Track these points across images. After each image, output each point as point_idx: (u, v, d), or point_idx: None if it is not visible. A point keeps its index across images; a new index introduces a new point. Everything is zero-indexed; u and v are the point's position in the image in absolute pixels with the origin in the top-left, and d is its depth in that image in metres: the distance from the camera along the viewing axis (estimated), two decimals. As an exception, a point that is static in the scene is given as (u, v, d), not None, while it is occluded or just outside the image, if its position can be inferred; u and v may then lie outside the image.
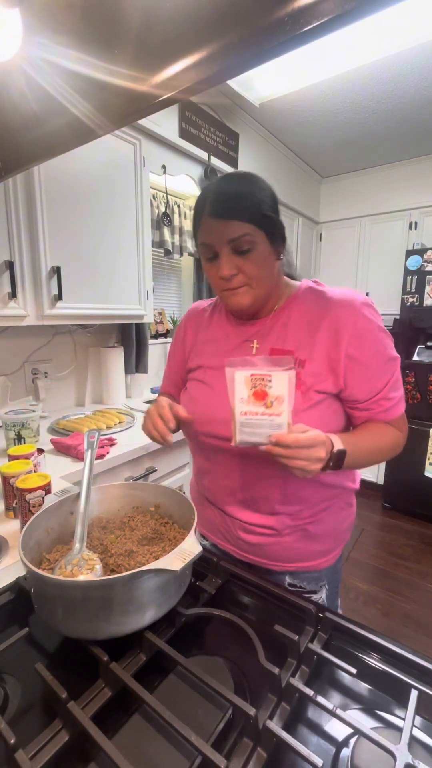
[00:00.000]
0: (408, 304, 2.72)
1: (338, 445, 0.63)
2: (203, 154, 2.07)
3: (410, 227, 3.00)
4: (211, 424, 0.75)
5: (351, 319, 0.68)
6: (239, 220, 0.65)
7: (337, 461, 0.62)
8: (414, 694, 0.44)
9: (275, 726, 0.39)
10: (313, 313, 0.71)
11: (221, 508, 0.82)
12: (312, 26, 0.34)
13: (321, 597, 0.81)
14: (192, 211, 2.34)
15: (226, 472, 0.78)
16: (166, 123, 1.83)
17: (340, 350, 0.68)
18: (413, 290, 2.70)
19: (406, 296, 2.73)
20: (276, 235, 0.69)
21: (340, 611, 0.75)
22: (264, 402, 0.59)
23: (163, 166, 1.88)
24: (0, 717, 0.39)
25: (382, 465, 2.91)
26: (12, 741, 0.36)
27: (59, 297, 1.36)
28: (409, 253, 2.71)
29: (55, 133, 0.57)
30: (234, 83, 2.05)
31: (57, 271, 1.35)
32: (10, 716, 0.44)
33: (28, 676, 0.48)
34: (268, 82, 2.07)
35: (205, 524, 0.88)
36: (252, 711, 0.40)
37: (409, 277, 2.72)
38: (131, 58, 0.43)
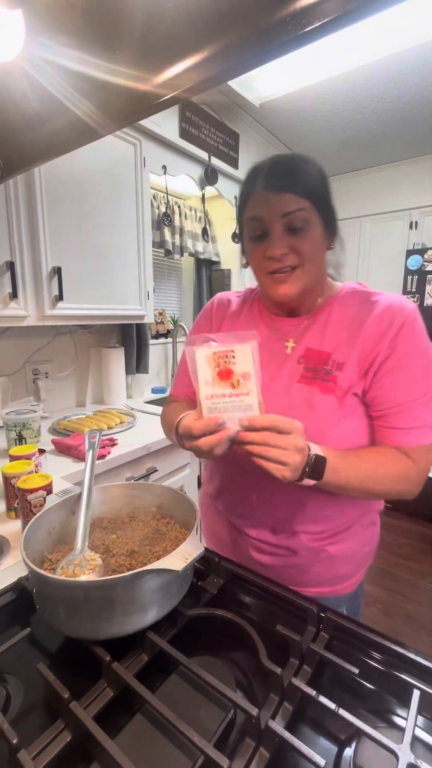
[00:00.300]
0: (408, 303, 2.72)
1: (315, 450, 0.56)
2: (203, 155, 2.07)
3: (410, 227, 3.00)
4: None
5: (396, 323, 0.62)
6: (295, 193, 0.60)
7: (314, 468, 0.55)
8: (416, 693, 0.44)
9: (277, 726, 0.39)
10: (355, 314, 0.66)
11: (234, 524, 0.77)
12: (314, 26, 0.34)
13: None
14: (192, 211, 2.35)
15: (245, 485, 0.73)
16: (166, 123, 1.83)
17: (376, 351, 0.63)
18: (413, 290, 2.70)
19: (406, 296, 2.73)
20: (330, 219, 0.65)
21: None
22: (230, 381, 0.53)
23: (164, 167, 1.88)
24: (2, 717, 0.39)
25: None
26: (14, 741, 0.37)
27: (60, 297, 1.37)
28: (410, 253, 2.72)
29: (57, 133, 0.57)
30: (234, 83, 2.05)
31: (58, 271, 1.35)
32: (12, 716, 0.44)
33: (30, 676, 0.48)
34: (268, 82, 2.07)
35: (215, 541, 0.83)
36: (254, 711, 0.40)
37: (409, 277, 2.72)
38: (133, 59, 0.43)
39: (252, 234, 0.65)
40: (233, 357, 0.53)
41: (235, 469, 0.74)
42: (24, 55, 0.49)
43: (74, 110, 0.50)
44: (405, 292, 2.73)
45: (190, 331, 0.84)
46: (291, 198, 0.60)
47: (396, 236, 3.06)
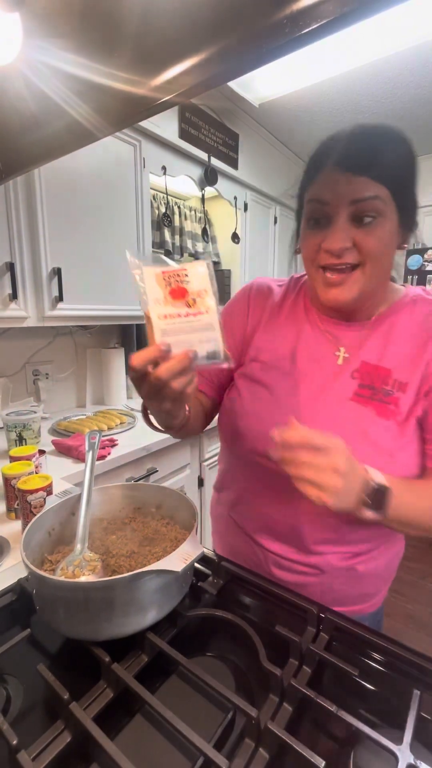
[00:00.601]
0: (409, 303, 2.72)
1: (378, 478, 0.49)
2: (203, 155, 2.07)
3: (411, 227, 3.00)
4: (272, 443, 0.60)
5: None
6: (372, 178, 0.50)
7: (376, 499, 0.48)
8: (416, 694, 0.44)
9: (277, 727, 0.39)
10: (421, 327, 0.58)
11: (253, 537, 0.70)
12: (311, 28, 0.34)
13: None
14: (191, 212, 2.35)
15: (273, 500, 0.65)
16: (165, 124, 1.83)
17: None
18: (414, 290, 2.71)
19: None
20: (408, 212, 0.54)
21: None
22: (185, 300, 0.47)
23: (163, 167, 1.88)
24: (2, 718, 0.39)
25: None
26: (14, 742, 0.37)
27: (60, 298, 1.37)
28: (410, 253, 2.72)
29: (55, 135, 0.57)
30: (234, 84, 2.05)
31: (57, 272, 1.36)
32: (12, 717, 0.44)
33: (30, 677, 0.48)
34: (267, 82, 2.07)
35: (229, 551, 0.75)
36: (254, 712, 0.40)
37: (409, 277, 2.72)
38: (130, 61, 0.43)
39: (311, 216, 0.56)
40: (186, 276, 0.47)
41: (256, 481, 0.67)
42: (22, 58, 0.49)
43: (72, 113, 0.50)
44: (405, 291, 2.74)
45: (221, 316, 0.68)
46: (366, 182, 0.50)
47: (396, 236, 3.06)
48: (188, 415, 0.63)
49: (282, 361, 0.64)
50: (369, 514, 0.49)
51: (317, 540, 0.63)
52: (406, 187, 0.54)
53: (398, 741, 0.38)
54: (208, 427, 0.80)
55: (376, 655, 0.51)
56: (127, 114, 0.49)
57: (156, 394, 0.47)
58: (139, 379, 0.47)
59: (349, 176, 0.51)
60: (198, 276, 0.47)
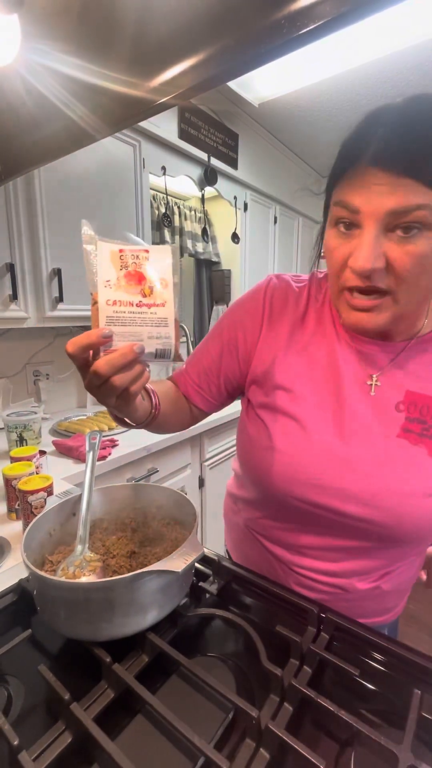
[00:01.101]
0: (409, 303, 2.71)
1: None
2: (203, 155, 2.07)
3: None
4: (307, 487, 0.52)
5: None
6: (421, 181, 0.39)
7: None
8: (417, 694, 0.44)
9: (277, 727, 0.39)
10: None
11: (274, 553, 0.64)
12: (309, 29, 0.34)
13: None
14: (191, 212, 2.34)
15: (305, 533, 0.58)
16: (165, 124, 1.83)
17: None
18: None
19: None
20: None
21: None
22: (140, 288, 0.41)
23: (163, 168, 1.88)
24: (3, 718, 0.39)
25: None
26: (15, 742, 0.37)
27: (60, 299, 1.37)
28: None
29: (53, 137, 0.57)
30: (233, 84, 2.05)
31: (58, 273, 1.36)
32: (13, 718, 0.44)
33: (31, 677, 0.48)
34: (267, 82, 2.07)
35: (245, 560, 0.69)
36: (254, 712, 0.40)
37: None
38: (128, 63, 0.43)
39: (338, 218, 0.45)
40: (147, 259, 0.41)
41: (287, 515, 0.60)
42: (20, 60, 0.49)
43: (70, 114, 0.50)
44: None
45: (230, 309, 0.64)
46: (413, 187, 0.39)
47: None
48: (156, 413, 0.56)
49: (313, 390, 0.54)
50: None
51: (346, 564, 0.58)
52: None
53: (399, 741, 0.38)
54: (209, 427, 0.80)
55: (377, 655, 0.51)
56: (125, 115, 0.49)
57: (96, 389, 0.42)
58: (81, 368, 0.41)
59: (392, 177, 0.39)
60: (161, 262, 0.42)
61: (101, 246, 0.42)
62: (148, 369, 0.44)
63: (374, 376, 0.52)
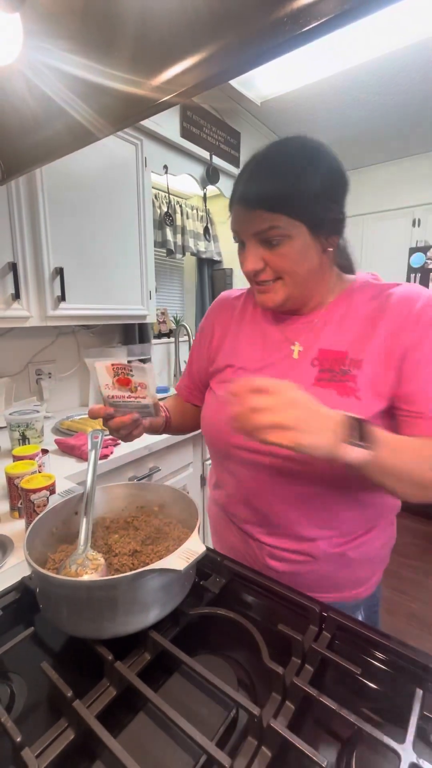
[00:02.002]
0: (412, 301, 2.70)
1: (354, 414, 0.49)
2: (205, 154, 2.07)
3: (413, 224, 2.99)
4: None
5: (415, 311, 0.58)
6: (268, 210, 0.55)
7: (358, 430, 0.47)
8: (419, 693, 0.44)
9: (279, 725, 0.39)
10: (370, 308, 0.62)
11: (247, 532, 0.72)
12: (312, 26, 0.34)
13: None
14: (193, 211, 2.35)
15: (260, 491, 0.68)
16: (167, 123, 1.83)
17: (399, 344, 0.58)
18: (417, 288, 2.69)
19: (409, 294, 2.71)
20: (322, 226, 0.58)
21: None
22: (129, 387, 0.63)
23: (165, 166, 1.88)
24: (6, 715, 0.40)
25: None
26: (18, 739, 0.37)
27: (62, 298, 1.37)
28: (413, 251, 2.70)
29: (55, 136, 0.57)
30: (235, 82, 2.05)
31: (60, 272, 1.36)
32: (16, 715, 0.44)
33: (33, 675, 0.49)
34: (269, 80, 2.07)
35: (226, 549, 0.79)
36: (256, 710, 0.40)
37: (412, 275, 2.71)
38: (130, 61, 0.43)
39: (237, 242, 0.64)
40: (130, 370, 0.61)
41: (241, 474, 0.70)
42: (22, 59, 0.49)
43: (72, 113, 0.50)
44: (408, 289, 2.72)
45: (196, 334, 0.86)
46: (263, 216, 0.56)
47: (399, 234, 3.05)
48: (166, 425, 0.80)
49: (250, 362, 0.70)
50: (356, 452, 0.46)
51: (306, 524, 0.65)
52: (309, 205, 0.56)
53: (401, 740, 0.38)
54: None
55: (379, 654, 0.51)
56: (128, 113, 0.49)
57: (111, 431, 0.67)
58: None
59: (248, 211, 0.58)
60: (141, 372, 0.62)
61: (98, 365, 0.62)
62: (143, 424, 0.68)
63: (297, 342, 0.67)
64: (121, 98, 0.46)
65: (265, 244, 0.59)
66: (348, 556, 0.67)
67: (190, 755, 0.39)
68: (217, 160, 2.15)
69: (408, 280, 2.71)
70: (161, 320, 2.35)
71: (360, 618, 0.73)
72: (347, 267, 0.70)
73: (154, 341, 2.19)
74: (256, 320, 0.73)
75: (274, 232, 0.57)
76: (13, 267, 1.25)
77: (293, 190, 0.55)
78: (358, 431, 0.47)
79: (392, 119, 2.46)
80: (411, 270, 2.71)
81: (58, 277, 1.36)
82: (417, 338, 0.57)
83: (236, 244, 0.65)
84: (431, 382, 0.57)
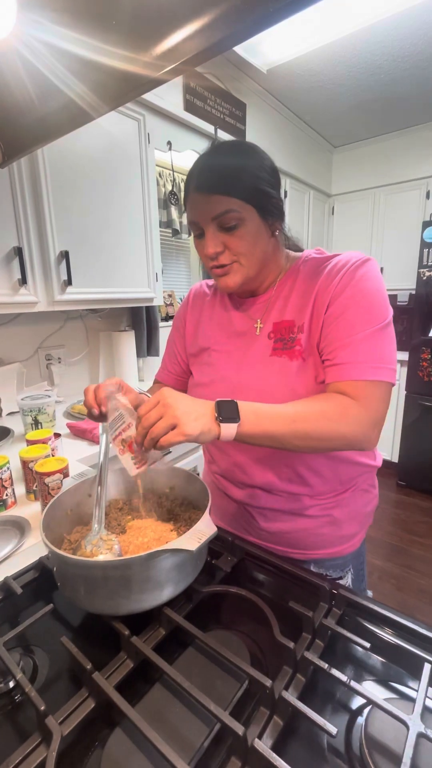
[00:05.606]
0: (425, 278, 2.63)
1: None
2: (209, 128, 2.00)
3: (427, 197, 2.87)
4: None
5: (342, 270, 0.64)
6: (224, 194, 0.62)
7: (222, 411, 0.54)
8: (427, 667, 0.44)
9: (291, 696, 0.41)
10: (311, 278, 0.68)
11: (238, 499, 0.80)
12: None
13: (347, 582, 0.81)
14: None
15: (239, 455, 0.76)
16: (169, 96, 1.76)
17: (326, 299, 0.64)
18: (430, 263, 2.61)
19: (422, 270, 2.63)
20: (268, 210, 0.65)
21: (369, 593, 0.74)
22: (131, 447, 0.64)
23: (169, 143, 1.82)
24: (30, 686, 0.42)
25: (397, 442, 2.89)
26: (42, 708, 0.39)
27: (69, 282, 1.36)
28: (426, 225, 2.61)
29: (53, 116, 0.55)
30: (239, 48, 1.95)
31: (66, 255, 1.35)
32: (39, 685, 0.47)
33: (54, 648, 0.51)
34: (276, 45, 1.96)
35: (222, 516, 0.86)
36: (268, 682, 0.41)
37: (425, 250, 2.62)
38: (127, 31, 0.41)
39: (194, 233, 0.69)
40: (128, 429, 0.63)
41: (221, 444, 0.79)
42: (16, 34, 0.47)
43: (68, 92, 0.48)
44: (421, 265, 2.63)
45: (172, 324, 0.94)
46: (221, 200, 0.62)
47: (411, 207, 2.94)
48: None
49: (222, 345, 0.79)
50: (229, 428, 0.54)
51: (285, 483, 0.73)
52: (260, 192, 0.63)
53: (409, 711, 0.40)
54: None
55: (388, 629, 0.52)
56: (127, 88, 0.47)
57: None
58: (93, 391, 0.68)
59: (206, 196, 0.63)
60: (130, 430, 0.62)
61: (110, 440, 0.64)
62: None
63: (258, 320, 0.74)
64: (119, 73, 0.44)
65: (223, 230, 0.64)
66: (333, 515, 0.76)
67: (205, 723, 0.40)
68: (222, 134, 2.07)
69: (420, 255, 2.63)
70: (168, 302, 2.33)
71: (350, 574, 0.81)
72: (294, 247, 0.78)
73: (161, 324, 2.17)
74: (224, 307, 0.82)
75: (230, 215, 0.63)
76: (19, 252, 1.24)
77: (243, 176, 0.62)
78: (226, 410, 0.55)
79: (407, 83, 2.32)
80: (424, 245, 2.62)
81: (64, 261, 1.35)
82: (339, 289, 0.63)
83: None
84: (343, 330, 0.62)
